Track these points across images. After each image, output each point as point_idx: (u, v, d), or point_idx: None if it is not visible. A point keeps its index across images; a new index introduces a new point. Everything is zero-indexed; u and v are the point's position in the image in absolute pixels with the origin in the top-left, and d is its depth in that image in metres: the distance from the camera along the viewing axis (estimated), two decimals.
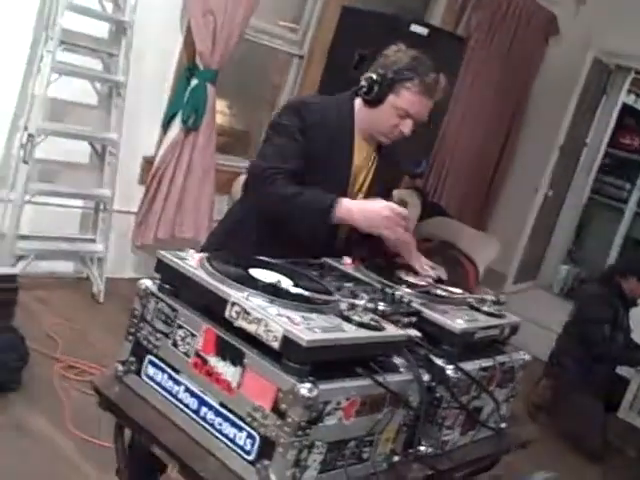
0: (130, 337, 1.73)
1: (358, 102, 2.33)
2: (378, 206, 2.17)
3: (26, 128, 3.64)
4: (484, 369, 1.91)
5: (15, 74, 3.67)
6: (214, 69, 4.22)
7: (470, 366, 1.86)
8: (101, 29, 3.95)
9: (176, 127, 4.21)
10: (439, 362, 1.79)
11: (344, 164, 2.32)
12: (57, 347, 3.27)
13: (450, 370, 1.78)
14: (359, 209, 2.17)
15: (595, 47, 5.91)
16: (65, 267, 4.11)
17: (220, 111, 4.87)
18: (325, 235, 2.29)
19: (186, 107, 4.18)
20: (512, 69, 6.12)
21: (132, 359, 1.72)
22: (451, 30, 5.67)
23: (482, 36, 5.81)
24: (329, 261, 2.15)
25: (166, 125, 4.28)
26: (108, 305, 3.90)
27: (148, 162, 4.29)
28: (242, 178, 4.62)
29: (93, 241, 4.09)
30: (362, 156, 2.37)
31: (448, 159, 5.92)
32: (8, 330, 2.96)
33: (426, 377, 1.72)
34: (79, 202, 4.09)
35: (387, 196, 2.47)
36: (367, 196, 2.40)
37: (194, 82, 4.22)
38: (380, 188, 2.43)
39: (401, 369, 1.70)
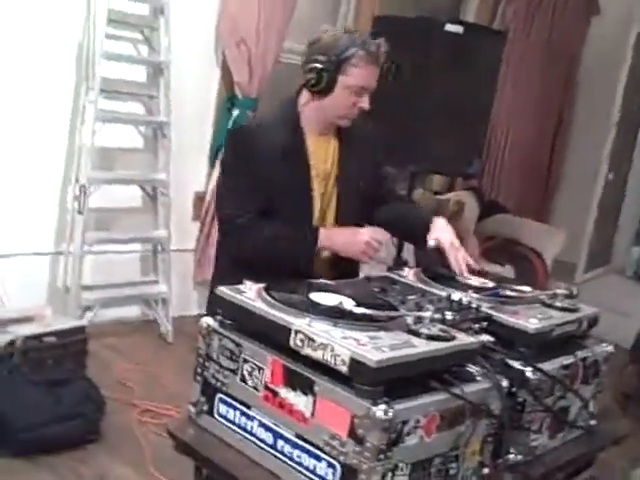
0: (198, 377, 1.71)
1: (304, 99, 2.28)
2: (357, 233, 2.20)
3: (77, 179, 3.69)
4: (565, 367, 1.83)
5: (61, 127, 3.74)
6: (253, 97, 4.23)
7: (550, 366, 1.78)
8: (139, 73, 4.00)
9: None
10: (517, 365, 1.72)
11: (302, 171, 2.28)
12: (132, 393, 3.28)
13: (529, 372, 1.71)
14: (339, 238, 2.21)
15: (639, 20, 5.73)
16: (131, 312, 4.15)
17: None
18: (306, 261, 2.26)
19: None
20: (555, 55, 5.98)
21: (203, 399, 1.69)
22: (487, 25, 5.58)
23: (520, 26, 5.71)
24: (391, 275, 2.10)
25: (213, 159, 4.29)
26: (177, 344, 3.91)
27: (200, 198, 4.31)
28: None
29: (156, 282, 4.12)
30: (322, 154, 2.32)
31: (501, 155, 5.81)
32: (82, 381, 2.98)
33: (505, 383, 1.65)
34: (137, 246, 4.13)
35: (378, 175, 2.46)
36: (343, 187, 2.34)
37: (235, 112, 4.23)
38: (360, 171, 2.37)
39: (478, 377, 1.63)
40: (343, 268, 2.29)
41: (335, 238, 2.20)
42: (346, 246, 2.20)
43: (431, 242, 2.26)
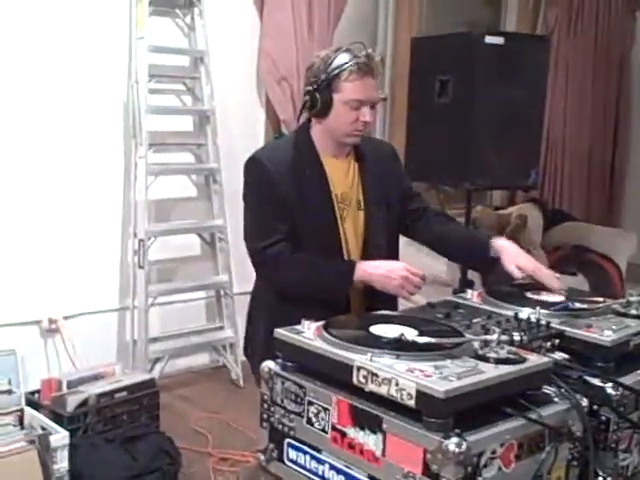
0: (264, 423, 1.66)
1: (314, 125, 2.24)
2: (393, 267, 2.12)
3: (135, 234, 3.74)
4: None
5: (115, 184, 3.81)
6: None
7: (632, 379, 1.68)
8: (185, 123, 4.05)
9: None
10: (596, 382, 1.63)
11: (324, 196, 2.22)
12: (207, 442, 3.26)
13: (610, 388, 1.61)
14: (376, 272, 2.12)
15: None
16: (201, 359, 4.15)
17: None
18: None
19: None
20: (605, 54, 5.85)
21: (271, 446, 1.65)
22: (530, 32, 5.50)
23: (564, 30, 5.62)
24: (454, 299, 2.03)
25: None
26: (249, 388, 3.87)
27: None
28: None
29: (222, 328, 4.13)
30: (341, 176, 2.26)
31: (559, 162, 5.69)
32: (157, 435, 2.98)
33: (585, 402, 1.56)
34: (201, 293, 4.15)
35: (402, 190, 2.37)
36: (370, 208, 2.28)
37: None
38: (383, 189, 2.30)
39: (555, 399, 1.54)
40: (379, 297, 2.22)
41: (372, 272, 2.13)
42: (383, 281, 2.12)
43: (516, 273, 2.16)
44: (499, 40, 3.77)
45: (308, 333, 1.61)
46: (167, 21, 3.94)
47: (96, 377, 3.23)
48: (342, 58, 2.13)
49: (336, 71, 2.11)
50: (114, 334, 3.89)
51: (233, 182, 4.10)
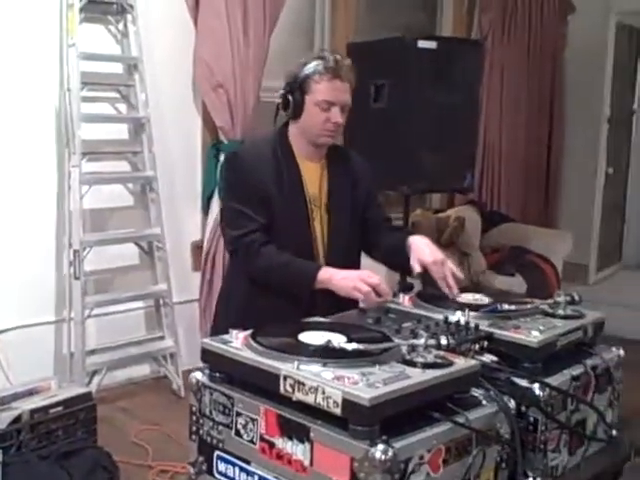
0: (193, 436, 1.64)
1: (291, 127, 2.36)
2: (352, 276, 2.13)
3: (70, 245, 3.65)
4: (575, 378, 1.74)
5: (49, 194, 3.71)
6: (238, 140, 4.20)
7: (559, 379, 1.70)
8: (120, 131, 3.98)
9: (216, 206, 4.17)
10: (523, 383, 1.64)
11: (299, 195, 2.33)
12: (147, 454, 3.20)
13: (537, 389, 1.63)
14: (336, 278, 2.15)
15: (615, 11, 5.70)
16: (141, 371, 4.08)
17: None
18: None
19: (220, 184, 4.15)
20: (537, 57, 5.97)
21: (201, 459, 1.63)
22: (465, 37, 5.57)
23: (498, 34, 5.70)
24: (386, 304, 2.03)
25: (206, 206, 4.26)
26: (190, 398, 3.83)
27: (197, 247, 4.27)
28: None
29: (162, 338, 4.06)
30: (313, 178, 2.36)
31: (496, 164, 5.76)
32: (93, 449, 2.91)
33: (512, 403, 1.58)
34: (139, 303, 4.07)
35: (369, 202, 2.45)
36: (334, 212, 2.36)
37: (222, 157, 4.19)
38: (349, 197, 2.39)
39: (483, 401, 1.56)
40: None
41: (332, 280, 2.16)
42: (341, 290, 2.14)
43: (416, 267, 2.20)
44: (432, 45, 3.82)
45: (236, 342, 1.60)
46: (99, 28, 3.86)
47: (30, 392, 3.13)
48: (314, 62, 2.26)
49: (307, 73, 2.24)
50: (51, 347, 3.79)
51: (170, 189, 4.10)
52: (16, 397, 3.08)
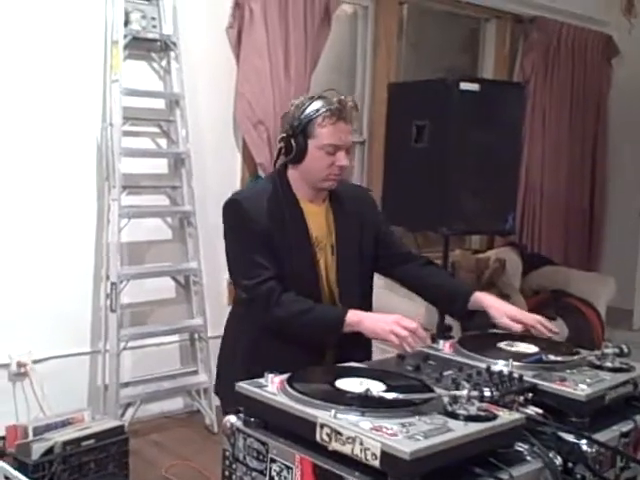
0: None
1: (290, 170, 2.23)
2: (387, 320, 2.04)
3: (108, 277, 3.67)
4: (625, 434, 1.67)
5: (88, 227, 3.74)
6: None
7: (608, 435, 1.63)
8: (160, 165, 4.01)
9: None
10: (570, 438, 1.58)
11: (304, 238, 2.22)
12: None
13: (585, 445, 1.56)
14: (369, 321, 2.08)
15: None
16: (174, 404, 4.05)
17: None
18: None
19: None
20: (581, 100, 5.91)
21: None
22: (506, 79, 5.55)
23: (541, 77, 5.65)
24: (425, 349, 1.98)
25: None
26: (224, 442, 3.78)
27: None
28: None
29: (196, 373, 4.04)
30: (317, 220, 2.25)
31: (538, 206, 5.69)
32: None
33: (558, 459, 1.51)
34: (174, 337, 4.06)
35: (380, 235, 2.36)
36: (342, 253, 2.26)
37: None
38: (357, 235, 2.30)
39: (527, 457, 1.49)
40: (354, 343, 2.19)
41: (363, 323, 2.08)
42: (374, 334, 2.07)
43: (515, 326, 2.15)
44: (474, 87, 3.79)
45: (271, 387, 1.56)
46: (142, 64, 3.91)
47: (64, 423, 3.14)
48: (315, 104, 2.14)
49: (310, 117, 2.13)
50: (85, 379, 3.79)
51: (208, 225, 4.09)
52: (49, 428, 3.09)
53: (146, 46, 3.88)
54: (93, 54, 3.69)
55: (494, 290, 4.43)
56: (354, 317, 2.09)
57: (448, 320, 3.78)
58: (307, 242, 2.22)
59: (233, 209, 2.22)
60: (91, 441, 3.05)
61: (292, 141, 2.15)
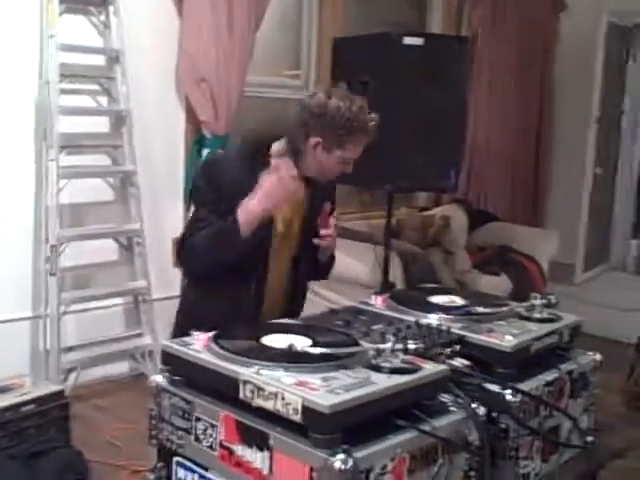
0: (153, 441, 1.59)
1: (278, 147, 2.29)
2: (264, 185, 2.17)
3: (47, 240, 3.59)
4: (549, 383, 1.70)
5: (26, 188, 3.66)
6: (222, 135, 4.14)
7: (532, 384, 1.66)
8: (100, 124, 3.92)
9: None
10: (494, 388, 1.60)
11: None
12: (120, 454, 3.14)
13: (509, 395, 1.58)
14: (251, 201, 2.16)
15: (607, 10, 5.64)
16: (119, 368, 4.02)
17: None
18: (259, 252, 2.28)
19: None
20: (528, 55, 5.91)
21: (160, 464, 1.57)
22: (454, 33, 5.52)
23: (488, 30, 5.63)
24: (358, 305, 1.98)
25: (188, 201, 4.19)
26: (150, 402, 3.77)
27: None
28: None
29: (140, 335, 4.00)
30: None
31: (484, 163, 5.71)
32: (64, 449, 2.85)
33: (482, 410, 1.53)
34: (118, 300, 4.02)
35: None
36: (307, 230, 2.35)
37: (205, 152, 4.14)
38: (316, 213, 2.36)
39: (452, 408, 1.50)
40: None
41: (250, 206, 2.16)
42: (266, 202, 2.17)
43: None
44: (419, 41, 3.76)
45: (197, 345, 1.54)
46: (80, 19, 3.80)
47: (2, 390, 3.07)
48: (356, 120, 2.18)
49: (349, 133, 2.19)
50: (27, 344, 3.74)
51: (152, 184, 4.04)
52: None
53: (83, 0, 3.77)
54: (28, 8, 3.57)
55: (439, 247, 4.46)
56: (240, 211, 2.16)
57: (392, 277, 3.81)
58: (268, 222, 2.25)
59: (208, 170, 2.33)
60: (31, 406, 2.97)
61: (323, 147, 2.20)
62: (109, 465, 3.05)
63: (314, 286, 4.29)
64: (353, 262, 4.02)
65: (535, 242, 5.17)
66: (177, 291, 4.16)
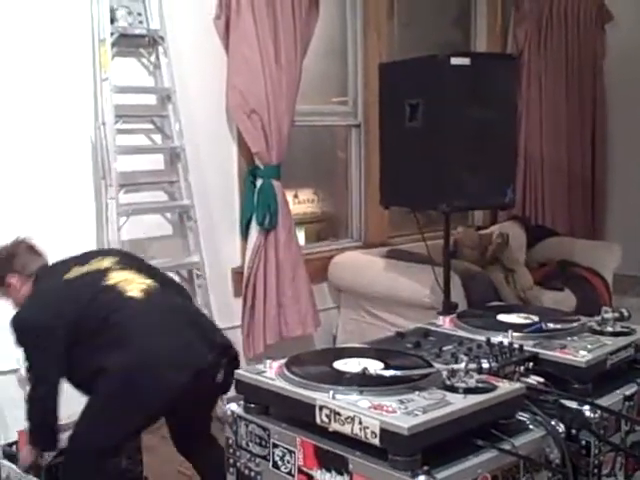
0: (231, 469, 1.60)
1: None
2: None
3: None
4: (629, 397, 1.67)
5: (88, 227, 3.73)
6: (274, 164, 4.18)
7: (611, 399, 1.63)
8: (156, 161, 3.99)
9: (254, 231, 4.17)
10: (573, 405, 1.57)
11: None
12: None
13: (588, 411, 1.55)
14: None
15: None
16: None
17: (307, 199, 4.92)
18: None
19: (258, 209, 4.14)
20: (576, 67, 5.85)
21: None
22: (500, 52, 5.51)
23: (534, 47, 5.61)
24: (424, 326, 1.97)
25: (244, 232, 4.24)
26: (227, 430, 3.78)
27: (237, 273, 4.24)
28: (337, 260, 4.55)
29: None
30: None
31: (539, 178, 5.65)
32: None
33: (561, 427, 1.50)
34: None
35: None
36: None
37: (259, 182, 4.19)
38: None
39: (530, 426, 1.48)
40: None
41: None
42: None
43: None
44: (465, 61, 3.74)
45: (269, 372, 1.56)
46: (131, 61, 3.88)
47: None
48: None
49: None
50: None
51: (209, 217, 4.09)
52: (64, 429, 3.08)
53: (134, 42, 3.86)
54: (81, 54, 3.66)
55: (498, 265, 4.41)
56: None
57: (453, 297, 3.78)
58: None
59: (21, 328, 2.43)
60: None
61: None
62: None
63: (375, 310, 4.31)
64: (412, 284, 4.00)
65: (597, 255, 5.07)
66: (238, 321, 4.21)
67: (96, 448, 2.31)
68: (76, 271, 2.60)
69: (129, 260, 2.78)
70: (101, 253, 2.91)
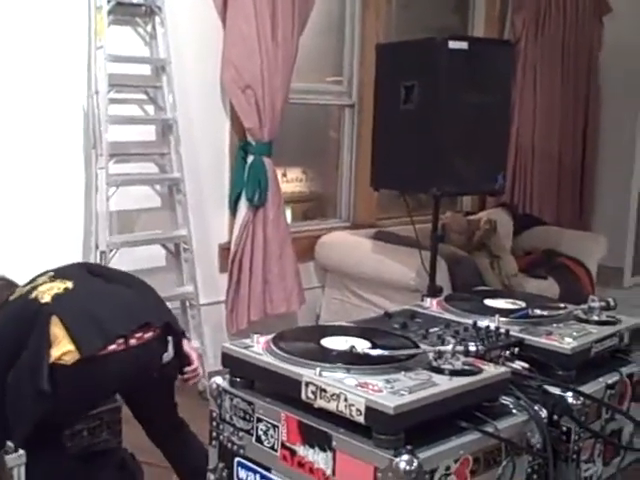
0: (214, 442, 1.60)
1: None
2: None
3: (97, 246, 3.65)
4: (611, 386, 1.68)
5: (76, 196, 3.71)
6: (266, 141, 4.16)
7: (593, 387, 1.64)
8: (147, 132, 3.96)
9: (243, 207, 4.16)
10: (556, 391, 1.58)
11: None
12: None
13: (570, 397, 1.57)
14: None
15: None
16: None
17: (295, 178, 4.88)
18: None
19: (248, 185, 4.13)
20: (572, 57, 5.85)
21: (221, 465, 1.59)
22: (497, 37, 5.50)
23: (531, 35, 5.60)
24: (412, 307, 1.98)
25: (233, 208, 4.23)
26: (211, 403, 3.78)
27: (224, 249, 4.24)
28: (324, 240, 4.55)
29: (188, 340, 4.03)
30: None
31: (529, 167, 5.66)
32: (118, 451, 2.89)
33: (544, 412, 1.52)
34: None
35: None
36: None
37: (250, 159, 4.17)
38: None
39: (513, 410, 1.50)
40: None
41: None
42: None
43: None
44: (463, 45, 3.73)
45: (257, 347, 1.56)
46: (127, 30, 3.85)
47: None
48: None
49: None
50: None
51: (198, 191, 4.08)
52: None
53: (131, 11, 3.82)
54: (77, 20, 3.62)
55: (484, 251, 4.43)
56: None
57: (438, 281, 3.79)
58: None
59: None
60: None
61: None
62: (160, 467, 3.06)
63: (360, 291, 4.32)
64: (398, 266, 4.01)
65: (582, 246, 5.10)
66: (223, 296, 4.21)
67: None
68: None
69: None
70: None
